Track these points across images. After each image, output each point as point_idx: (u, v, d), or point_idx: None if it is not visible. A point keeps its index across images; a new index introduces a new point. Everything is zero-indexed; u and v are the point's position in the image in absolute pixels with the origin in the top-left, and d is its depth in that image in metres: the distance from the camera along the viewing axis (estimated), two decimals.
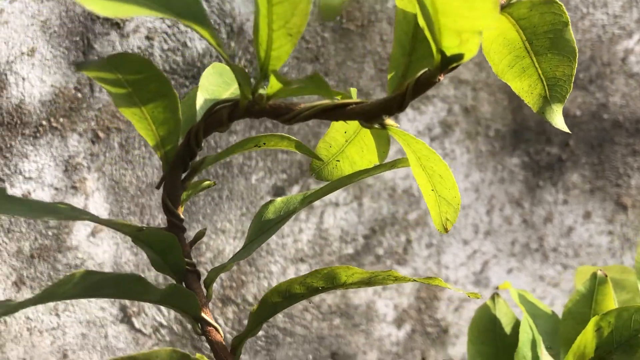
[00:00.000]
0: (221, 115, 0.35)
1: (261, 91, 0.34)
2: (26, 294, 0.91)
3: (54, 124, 0.89)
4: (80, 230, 0.93)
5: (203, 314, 0.38)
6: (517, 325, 0.49)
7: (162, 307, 0.97)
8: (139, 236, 0.36)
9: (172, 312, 0.98)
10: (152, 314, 0.97)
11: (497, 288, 0.52)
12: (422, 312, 1.05)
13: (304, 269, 1.03)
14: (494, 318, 0.50)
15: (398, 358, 1.03)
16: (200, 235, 0.42)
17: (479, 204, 1.04)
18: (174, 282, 0.39)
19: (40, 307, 0.92)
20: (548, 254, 1.09)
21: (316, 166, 0.43)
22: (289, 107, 0.34)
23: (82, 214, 0.37)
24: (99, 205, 0.93)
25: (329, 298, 1.01)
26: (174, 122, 0.36)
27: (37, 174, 0.90)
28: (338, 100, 0.34)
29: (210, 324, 0.38)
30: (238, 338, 0.39)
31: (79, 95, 0.89)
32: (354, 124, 0.40)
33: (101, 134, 0.92)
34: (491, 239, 1.09)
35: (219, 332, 0.38)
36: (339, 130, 0.41)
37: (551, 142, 1.05)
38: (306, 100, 0.35)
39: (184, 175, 0.38)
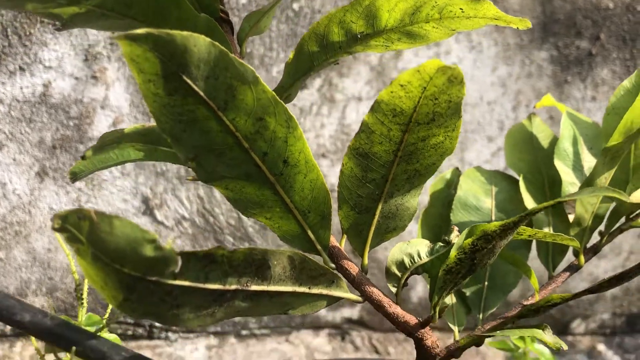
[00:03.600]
0: None
1: None
2: (49, 185, 0.92)
3: None
4: (102, 120, 0.92)
5: None
6: (554, 141, 0.48)
7: (185, 200, 0.98)
8: None
9: (195, 205, 0.98)
10: (175, 207, 0.98)
11: (534, 107, 0.51)
12: None
13: (325, 165, 1.02)
14: (531, 134, 0.49)
15: None
16: None
17: (505, 100, 1.02)
18: None
19: (63, 198, 0.93)
20: None
21: None
22: None
23: None
24: (119, 95, 0.92)
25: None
26: None
27: (57, 63, 0.88)
28: None
29: None
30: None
31: None
32: None
33: None
34: None
35: None
36: None
37: (581, 35, 1.02)
38: None
39: None
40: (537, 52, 1.03)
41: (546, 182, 0.48)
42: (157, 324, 1.05)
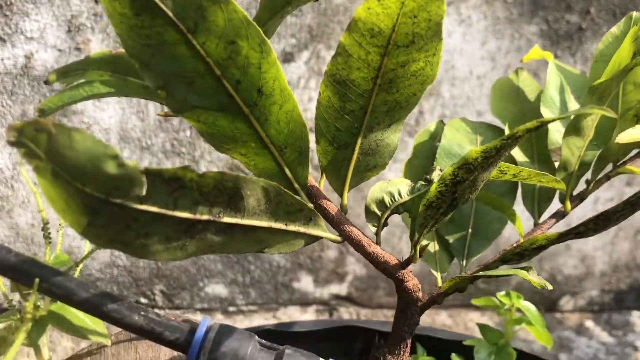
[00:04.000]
0: None
1: None
2: None
3: None
4: None
5: None
6: (541, 95, 0.46)
7: None
8: None
9: None
10: None
11: (521, 61, 0.49)
12: None
13: (312, 139, 1.01)
14: (517, 88, 0.48)
15: (407, 229, 1.02)
16: None
17: (495, 74, 1.01)
18: None
19: None
20: None
21: None
22: None
23: None
24: None
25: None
26: None
27: (39, 34, 0.86)
28: None
29: None
30: None
31: None
32: None
33: None
34: None
35: None
36: None
37: (571, 9, 1.01)
38: None
39: None
40: (526, 26, 1.02)
41: (533, 133, 0.46)
42: (142, 300, 1.03)
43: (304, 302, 1.08)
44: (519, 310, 0.52)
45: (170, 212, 0.30)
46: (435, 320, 1.05)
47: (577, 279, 1.08)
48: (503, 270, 0.36)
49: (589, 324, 1.05)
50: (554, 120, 0.29)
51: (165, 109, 0.42)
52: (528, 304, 0.51)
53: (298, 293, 1.08)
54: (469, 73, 1.01)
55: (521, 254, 0.38)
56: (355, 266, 1.06)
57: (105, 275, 1.02)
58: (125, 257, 1.00)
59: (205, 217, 0.31)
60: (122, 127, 0.96)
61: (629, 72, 0.38)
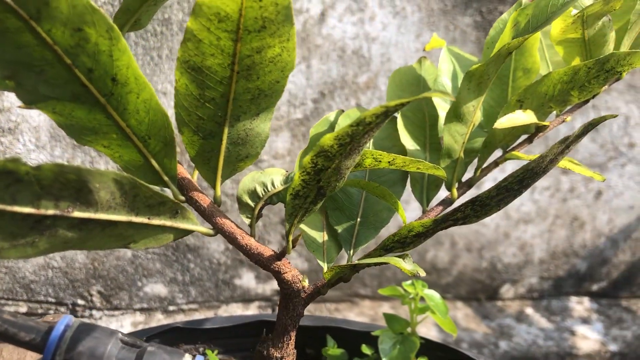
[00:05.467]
0: None
1: None
2: None
3: None
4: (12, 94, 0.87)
5: None
6: (434, 82, 0.46)
7: (106, 167, 0.94)
8: None
9: None
10: None
11: (424, 49, 0.49)
12: None
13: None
14: (419, 77, 0.47)
15: None
16: None
17: None
18: None
19: None
20: None
21: None
22: None
23: None
24: None
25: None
26: None
27: None
28: None
29: None
30: None
31: None
32: None
33: None
34: None
35: None
36: None
37: (504, 1, 1.02)
38: None
39: None
40: (460, 17, 1.02)
41: (427, 121, 0.46)
42: (79, 302, 1.01)
43: (246, 298, 1.07)
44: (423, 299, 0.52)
45: (9, 208, 0.29)
46: (378, 312, 1.05)
47: (517, 266, 1.09)
48: (378, 258, 0.36)
49: (529, 310, 1.07)
50: (398, 104, 0.28)
51: None
52: (432, 292, 0.51)
53: (240, 290, 1.07)
54: (404, 65, 1.02)
55: (402, 242, 0.38)
56: (297, 261, 1.06)
57: (40, 277, 1.00)
58: (60, 258, 0.98)
59: (51, 211, 0.30)
60: (52, 125, 0.94)
61: (506, 57, 0.38)
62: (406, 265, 0.35)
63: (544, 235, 1.08)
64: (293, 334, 0.39)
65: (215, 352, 0.61)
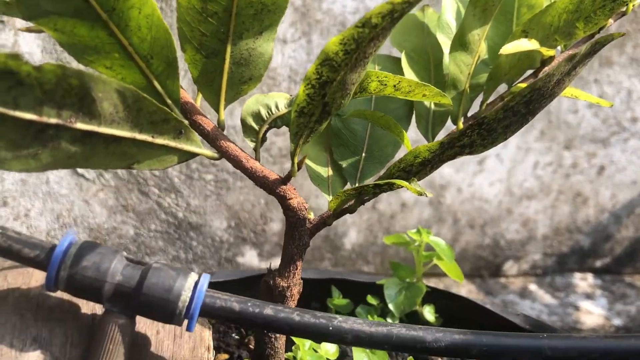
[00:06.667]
0: None
1: None
2: None
3: None
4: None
5: None
6: (438, 20, 0.46)
7: None
8: None
9: None
10: None
11: None
12: None
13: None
14: (422, 24, 0.47)
15: None
16: None
17: None
18: None
19: None
20: None
21: None
22: None
23: None
24: (30, 41, 0.87)
25: (279, 141, 0.98)
26: None
27: None
28: None
29: None
30: None
31: None
32: None
33: None
34: None
35: None
36: None
37: None
38: None
39: None
40: None
41: (432, 63, 0.46)
42: None
43: None
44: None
45: (11, 112, 0.28)
46: None
47: (520, 243, 1.08)
48: (383, 180, 0.35)
49: (533, 287, 1.06)
50: (404, 1, 0.28)
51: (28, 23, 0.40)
52: (438, 239, 0.50)
53: (242, 267, 1.06)
54: None
55: (407, 170, 0.37)
56: None
57: None
58: (60, 237, 0.97)
59: (54, 120, 0.30)
60: None
61: None
62: (414, 185, 0.34)
63: (547, 211, 1.08)
64: (299, 264, 0.39)
65: None
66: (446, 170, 1.01)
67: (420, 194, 0.34)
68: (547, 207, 1.07)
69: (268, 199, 1.02)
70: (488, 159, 1.02)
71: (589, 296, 1.05)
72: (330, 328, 0.34)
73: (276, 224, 1.05)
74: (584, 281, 1.09)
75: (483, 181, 1.03)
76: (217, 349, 0.51)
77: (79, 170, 0.94)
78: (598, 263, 1.11)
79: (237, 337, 0.52)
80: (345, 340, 0.34)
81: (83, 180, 0.95)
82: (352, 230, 1.05)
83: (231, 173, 0.96)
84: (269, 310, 0.34)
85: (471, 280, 1.08)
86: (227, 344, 0.51)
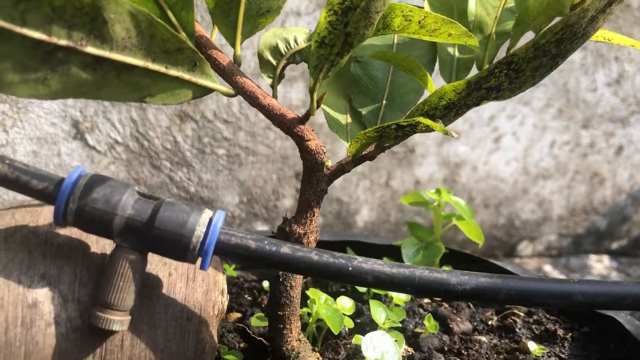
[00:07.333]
0: None
1: None
2: None
3: None
4: None
5: None
6: None
7: (117, 123, 0.93)
8: None
9: (128, 129, 0.93)
10: (107, 130, 0.93)
11: None
12: None
13: (263, 82, 0.98)
14: None
15: (364, 177, 1.00)
16: None
17: None
18: None
19: None
20: None
21: None
22: None
23: None
24: None
25: (293, 92, 0.96)
26: None
27: None
28: None
29: None
30: None
31: None
32: None
33: None
34: None
35: None
36: None
37: None
38: None
39: None
40: None
41: (455, 13, 0.44)
42: None
43: None
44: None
45: (18, 29, 0.27)
46: None
47: (535, 223, 1.06)
48: (405, 120, 0.34)
49: (548, 268, 1.04)
50: None
51: None
52: (458, 198, 0.49)
53: None
54: None
55: (430, 113, 0.36)
56: None
57: None
58: None
59: (64, 42, 0.28)
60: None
61: None
62: (438, 124, 0.33)
63: (563, 191, 1.05)
64: (317, 210, 0.38)
65: (233, 266, 0.59)
66: (461, 149, 1.00)
67: (446, 133, 0.32)
68: (564, 187, 1.05)
69: (280, 174, 1.01)
70: (504, 137, 1.00)
71: (604, 278, 1.03)
72: (350, 268, 0.32)
73: (288, 200, 1.04)
74: (599, 263, 1.07)
75: (499, 159, 1.01)
76: (230, 309, 0.50)
77: (90, 142, 0.93)
78: (614, 245, 1.09)
79: (249, 297, 0.51)
80: (366, 282, 0.32)
81: (95, 152, 0.94)
82: (364, 208, 1.03)
83: (243, 148, 0.95)
84: (286, 248, 0.33)
85: None
86: (240, 304, 0.50)
